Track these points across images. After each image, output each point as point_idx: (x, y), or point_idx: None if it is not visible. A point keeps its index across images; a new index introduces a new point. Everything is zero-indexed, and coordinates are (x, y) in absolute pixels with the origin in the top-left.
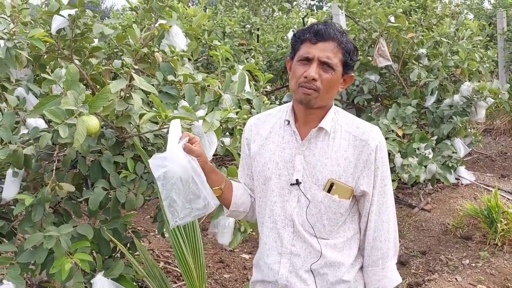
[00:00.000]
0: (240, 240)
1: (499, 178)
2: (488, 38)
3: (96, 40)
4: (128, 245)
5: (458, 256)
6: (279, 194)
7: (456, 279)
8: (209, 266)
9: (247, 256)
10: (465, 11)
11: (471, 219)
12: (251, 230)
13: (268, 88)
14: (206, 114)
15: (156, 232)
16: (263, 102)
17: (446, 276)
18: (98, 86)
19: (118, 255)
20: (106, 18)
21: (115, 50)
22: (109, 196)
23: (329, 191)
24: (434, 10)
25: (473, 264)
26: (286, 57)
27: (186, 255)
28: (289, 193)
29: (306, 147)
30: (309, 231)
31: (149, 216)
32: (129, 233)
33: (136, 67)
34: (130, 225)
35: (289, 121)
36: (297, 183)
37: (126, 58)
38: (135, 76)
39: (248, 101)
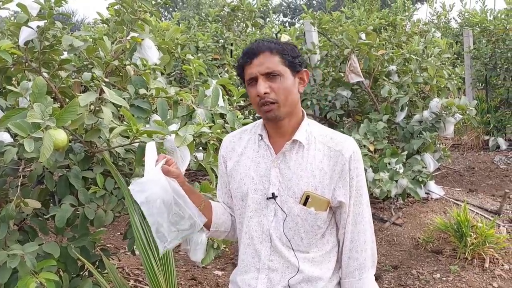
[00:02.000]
0: (213, 257)
1: (468, 192)
2: (456, 56)
3: (65, 53)
4: (97, 263)
5: (429, 270)
6: (255, 209)
7: None
8: (181, 284)
9: (219, 273)
10: (433, 29)
11: (441, 233)
12: (224, 246)
13: (242, 103)
14: (179, 128)
15: (127, 249)
16: (237, 117)
17: None
18: (67, 100)
19: (86, 273)
20: (77, 31)
21: (85, 63)
22: (77, 212)
23: (305, 204)
24: (404, 28)
25: (444, 278)
26: None
27: (157, 273)
28: (265, 208)
29: (281, 160)
30: (287, 245)
31: (119, 233)
32: (97, 250)
33: (107, 80)
34: (99, 242)
35: (261, 136)
36: (273, 196)
37: (96, 71)
38: (105, 89)
39: (222, 115)
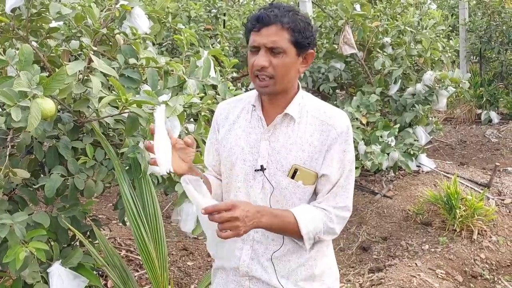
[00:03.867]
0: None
1: (459, 165)
2: (450, 29)
3: (53, 21)
4: (88, 233)
5: (418, 242)
6: (243, 180)
7: (416, 264)
8: (173, 254)
9: None
10: (429, 1)
11: (431, 205)
12: None
13: (235, 74)
14: (170, 99)
15: (118, 220)
16: (228, 88)
17: (406, 261)
18: (56, 69)
19: (77, 243)
20: None
21: (73, 31)
22: (67, 183)
23: (293, 177)
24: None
25: (433, 250)
26: None
27: (147, 243)
28: (253, 179)
29: (271, 133)
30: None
31: (111, 204)
32: (88, 221)
33: (95, 49)
34: (90, 213)
35: (254, 106)
36: (262, 169)
37: (85, 39)
38: (94, 58)
39: (213, 87)
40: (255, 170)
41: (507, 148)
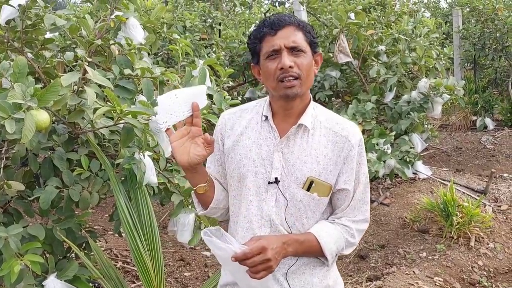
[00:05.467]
0: (200, 238)
1: (455, 172)
2: (444, 36)
3: (48, 32)
4: (84, 245)
5: (415, 249)
6: (255, 193)
7: (413, 271)
8: (169, 265)
9: (208, 253)
10: (422, 9)
11: (427, 212)
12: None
13: (230, 83)
14: None
15: (114, 232)
16: (224, 98)
17: (404, 269)
18: (51, 80)
19: (73, 255)
20: (61, 10)
21: (68, 43)
22: (62, 194)
23: (308, 189)
24: (393, 7)
25: (430, 257)
26: (249, 56)
27: (143, 255)
28: (265, 192)
29: (285, 144)
30: (288, 231)
31: (107, 215)
32: (84, 232)
33: (90, 60)
34: (85, 224)
35: (267, 117)
36: (276, 181)
37: (79, 50)
38: (88, 69)
39: (209, 96)
40: (268, 183)
41: (502, 154)
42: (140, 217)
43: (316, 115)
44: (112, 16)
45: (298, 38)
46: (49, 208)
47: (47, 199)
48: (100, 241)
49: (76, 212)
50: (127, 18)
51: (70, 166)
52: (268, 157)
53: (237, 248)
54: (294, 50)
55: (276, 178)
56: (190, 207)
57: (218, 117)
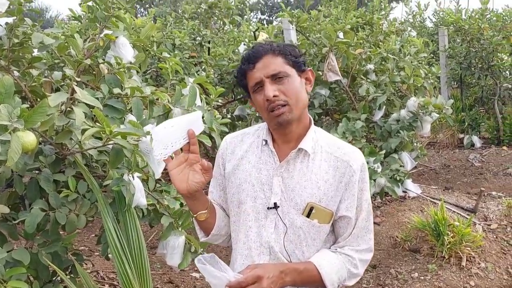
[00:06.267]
0: (190, 261)
1: (444, 190)
2: (432, 55)
3: (36, 50)
4: (70, 268)
5: (407, 269)
6: (254, 218)
7: None
8: (158, 287)
9: (197, 275)
10: (409, 28)
11: (418, 231)
12: (201, 249)
13: (220, 101)
14: None
15: (101, 255)
16: (215, 117)
17: None
18: (38, 99)
19: (59, 279)
20: (49, 28)
21: (57, 61)
22: (48, 216)
23: (308, 215)
24: (380, 27)
25: (422, 277)
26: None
27: (131, 280)
28: (265, 218)
29: (285, 169)
30: (287, 259)
31: (93, 235)
32: (69, 256)
33: (78, 79)
34: (71, 247)
35: (266, 141)
36: (275, 207)
37: (67, 70)
38: (77, 89)
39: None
40: (267, 208)
41: (490, 172)
42: (128, 240)
43: (317, 139)
44: (102, 35)
45: (278, 65)
46: (34, 232)
47: (33, 222)
48: (86, 264)
49: (62, 235)
50: (116, 37)
51: (56, 187)
52: (268, 181)
53: (231, 276)
54: (276, 78)
55: (275, 204)
56: (180, 229)
57: (209, 137)
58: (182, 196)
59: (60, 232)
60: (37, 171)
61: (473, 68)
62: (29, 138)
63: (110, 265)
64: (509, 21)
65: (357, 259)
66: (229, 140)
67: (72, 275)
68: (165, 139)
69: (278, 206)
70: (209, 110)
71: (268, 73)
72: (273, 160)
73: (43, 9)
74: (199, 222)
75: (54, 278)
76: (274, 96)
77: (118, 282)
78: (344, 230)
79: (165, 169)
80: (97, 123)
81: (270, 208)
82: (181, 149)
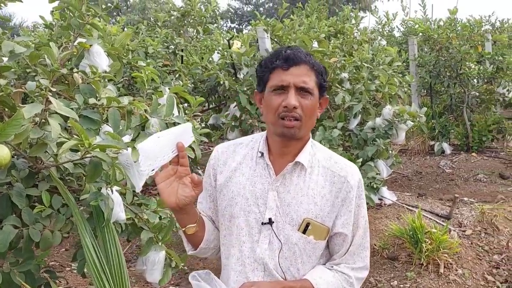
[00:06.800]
0: (170, 276)
1: (417, 197)
2: (405, 65)
3: (5, 59)
4: (42, 286)
5: (386, 278)
6: (247, 233)
7: None
8: None
9: None
10: (379, 37)
11: (396, 239)
12: (182, 264)
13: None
14: (133, 140)
15: (73, 267)
16: (194, 127)
17: None
18: (6, 109)
19: None
20: (15, 36)
21: (27, 70)
22: (21, 233)
23: (304, 231)
24: (352, 36)
25: (401, 285)
26: (213, 79)
27: None
28: (258, 233)
29: (281, 183)
30: (282, 277)
31: (63, 249)
32: (43, 272)
33: (53, 89)
34: (44, 264)
35: (262, 153)
36: (270, 222)
37: (42, 80)
38: (52, 99)
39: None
40: (262, 223)
41: (461, 178)
42: (107, 257)
43: (314, 153)
44: (75, 43)
45: (310, 79)
46: (6, 250)
47: (5, 241)
48: (60, 282)
49: (35, 252)
50: (90, 45)
51: (29, 202)
52: (262, 196)
53: None
54: (302, 91)
55: (270, 219)
56: (160, 243)
57: (190, 148)
58: (171, 210)
59: (34, 251)
60: (7, 185)
61: (442, 77)
62: (3, 152)
63: (83, 280)
64: (476, 31)
65: (354, 278)
66: (221, 150)
67: None
68: (153, 154)
69: (273, 222)
70: (188, 120)
71: (298, 83)
72: (268, 174)
73: (8, 16)
74: (187, 235)
75: None
76: (294, 107)
77: None
78: (340, 247)
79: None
80: (74, 135)
81: (265, 223)
82: (170, 161)
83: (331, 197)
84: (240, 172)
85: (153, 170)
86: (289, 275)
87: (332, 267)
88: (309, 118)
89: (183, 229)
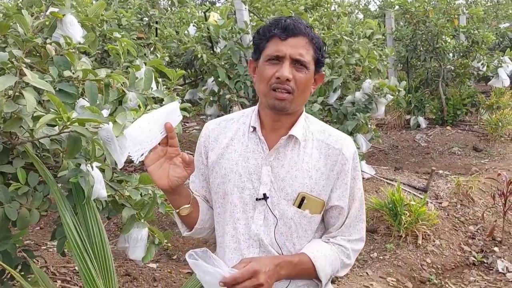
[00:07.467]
0: (154, 254)
1: (395, 170)
2: (384, 38)
3: None
4: (19, 266)
5: (366, 250)
6: (242, 210)
7: (367, 273)
8: None
9: (154, 266)
10: (356, 11)
11: (375, 212)
12: (166, 241)
13: (168, 85)
14: (110, 114)
15: (49, 245)
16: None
17: (357, 270)
18: None
19: (9, 276)
20: None
21: None
22: None
23: (299, 206)
24: (329, 8)
25: (381, 257)
26: (189, 53)
27: (95, 279)
28: (253, 209)
29: (274, 157)
30: (278, 252)
31: (38, 228)
32: (20, 251)
33: (28, 61)
34: (20, 243)
35: (254, 128)
36: (264, 198)
37: (15, 50)
38: (26, 71)
39: (156, 100)
40: (256, 199)
41: (436, 151)
42: (89, 236)
43: (307, 126)
44: (47, 13)
45: (306, 53)
46: None
47: None
48: (37, 261)
49: (11, 232)
50: (63, 15)
51: (4, 180)
52: (256, 171)
53: (226, 271)
54: (297, 63)
55: (264, 194)
56: (142, 220)
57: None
58: (163, 191)
59: (10, 230)
60: None
61: (418, 51)
62: None
63: (61, 259)
64: (452, 4)
65: (350, 249)
66: (212, 127)
67: (22, 273)
68: (141, 138)
69: (268, 197)
70: (169, 95)
71: (294, 55)
72: (261, 149)
73: None
74: (182, 217)
75: (3, 277)
76: (287, 79)
77: (71, 277)
78: (336, 220)
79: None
80: (51, 109)
81: (259, 199)
82: (159, 142)
83: (326, 170)
84: (232, 148)
85: (142, 155)
86: (285, 250)
87: (329, 240)
88: (302, 92)
89: (177, 210)
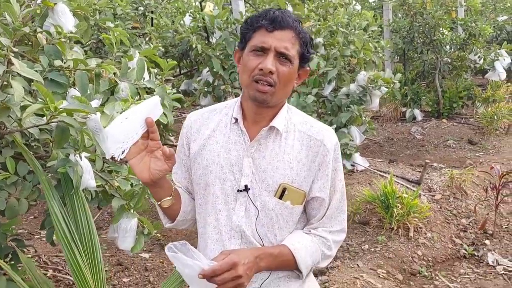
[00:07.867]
0: (143, 244)
1: (389, 163)
2: (380, 30)
3: None
4: (10, 255)
5: (357, 242)
6: (223, 202)
7: (357, 265)
8: (106, 271)
9: (147, 256)
10: (354, 2)
11: (367, 204)
12: (155, 231)
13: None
14: (102, 104)
15: (42, 235)
16: (166, 92)
17: (348, 262)
18: None
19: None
20: None
21: None
22: None
23: (280, 197)
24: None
25: (372, 249)
26: (184, 43)
27: (82, 268)
28: (234, 201)
29: (256, 149)
30: (259, 243)
31: (32, 217)
32: (10, 241)
33: (16, 50)
34: (12, 232)
35: (237, 119)
36: (246, 189)
37: (3, 39)
38: (14, 60)
39: (149, 90)
40: (238, 191)
41: (431, 144)
42: (77, 225)
43: (289, 117)
44: (38, 1)
45: (292, 47)
46: None
47: None
48: (28, 250)
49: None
50: (55, 4)
51: None
52: (238, 162)
53: (205, 264)
54: (282, 56)
55: (246, 186)
56: (132, 211)
57: (163, 115)
58: (145, 184)
59: None
60: None
61: (415, 43)
62: None
63: (53, 248)
64: None
65: (331, 241)
66: (194, 118)
67: (13, 263)
68: (121, 136)
69: (249, 189)
70: (160, 85)
71: (279, 48)
72: (243, 140)
73: None
74: (164, 209)
75: None
76: (270, 72)
77: (63, 267)
78: (317, 212)
79: None
80: (39, 99)
81: (241, 190)
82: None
83: (307, 162)
84: (214, 139)
85: (123, 152)
86: (267, 241)
87: (310, 231)
88: (284, 86)
89: (159, 202)
